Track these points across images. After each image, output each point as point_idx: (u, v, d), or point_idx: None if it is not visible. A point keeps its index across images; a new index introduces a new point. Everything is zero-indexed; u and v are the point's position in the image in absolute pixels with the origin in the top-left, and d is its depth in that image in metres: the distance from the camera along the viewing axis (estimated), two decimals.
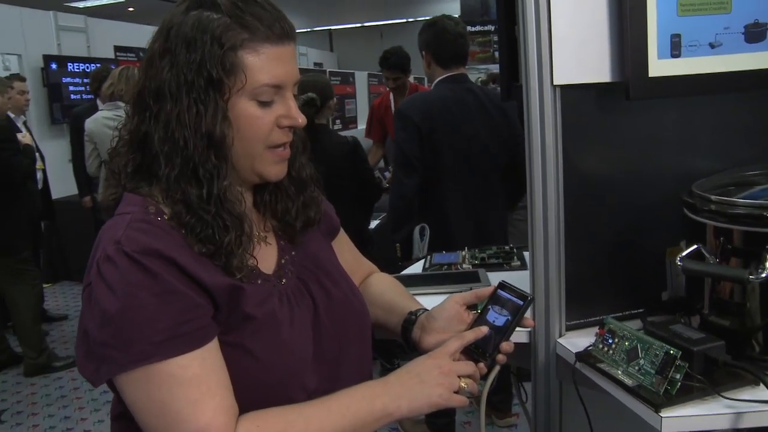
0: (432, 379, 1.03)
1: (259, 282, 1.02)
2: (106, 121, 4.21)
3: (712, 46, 1.24)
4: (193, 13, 0.96)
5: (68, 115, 5.69)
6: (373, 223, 4.07)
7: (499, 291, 1.17)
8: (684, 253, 1.12)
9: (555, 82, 1.21)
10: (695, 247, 1.12)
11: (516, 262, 1.89)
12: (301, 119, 1.02)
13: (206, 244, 0.94)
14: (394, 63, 4.52)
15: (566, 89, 1.22)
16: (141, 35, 7.12)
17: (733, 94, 1.30)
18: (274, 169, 1.03)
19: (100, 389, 3.92)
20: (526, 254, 1.98)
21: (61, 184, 5.27)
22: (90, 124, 4.28)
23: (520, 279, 1.24)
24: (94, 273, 0.90)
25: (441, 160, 2.75)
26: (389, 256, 2.87)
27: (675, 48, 1.21)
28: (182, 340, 0.89)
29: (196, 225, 0.94)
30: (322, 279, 1.11)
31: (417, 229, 2.73)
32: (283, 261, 1.09)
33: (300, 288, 1.08)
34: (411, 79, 4.88)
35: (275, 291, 1.03)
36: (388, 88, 4.90)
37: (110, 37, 7.38)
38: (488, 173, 2.87)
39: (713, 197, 1.14)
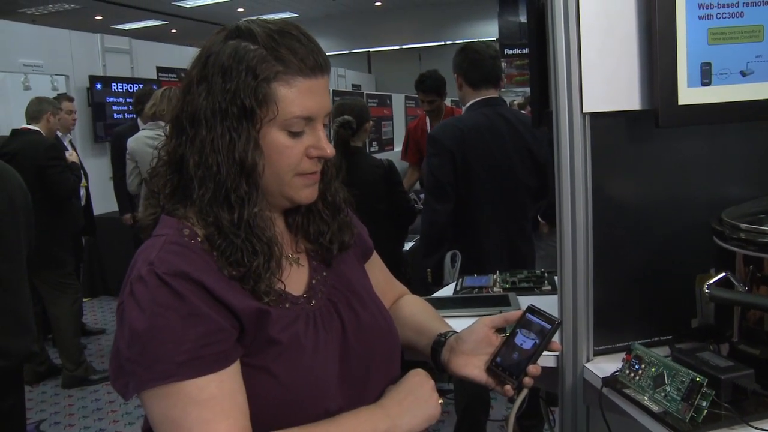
0: (425, 395, 1.08)
1: (287, 306, 1.05)
2: (147, 140, 4.32)
3: (743, 74, 1.24)
4: (231, 42, 1.00)
5: (111, 134, 5.86)
6: (408, 245, 4.09)
7: (527, 315, 1.18)
8: (712, 281, 1.12)
9: (585, 110, 1.23)
10: (723, 275, 1.12)
11: (546, 287, 1.89)
12: (330, 150, 1.05)
13: (236, 267, 0.98)
14: (429, 86, 4.55)
15: (596, 116, 1.24)
16: (182, 56, 7.33)
17: (764, 122, 1.30)
18: (305, 193, 1.07)
19: (134, 403, 4.00)
20: (557, 279, 1.99)
21: (103, 201, 5.41)
22: (132, 142, 4.39)
23: (549, 303, 1.25)
24: (127, 292, 0.95)
25: (473, 186, 2.76)
26: (421, 279, 2.88)
27: (705, 76, 1.22)
28: (203, 362, 0.92)
29: (227, 248, 0.98)
30: (351, 301, 1.13)
31: (449, 255, 2.73)
32: (314, 282, 1.12)
33: (329, 309, 1.10)
34: (448, 102, 4.91)
35: (302, 314, 1.06)
36: (424, 111, 4.93)
37: (153, 58, 7.60)
38: (520, 199, 2.88)
39: (743, 225, 1.14)
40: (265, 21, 1.04)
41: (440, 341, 1.24)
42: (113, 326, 5.02)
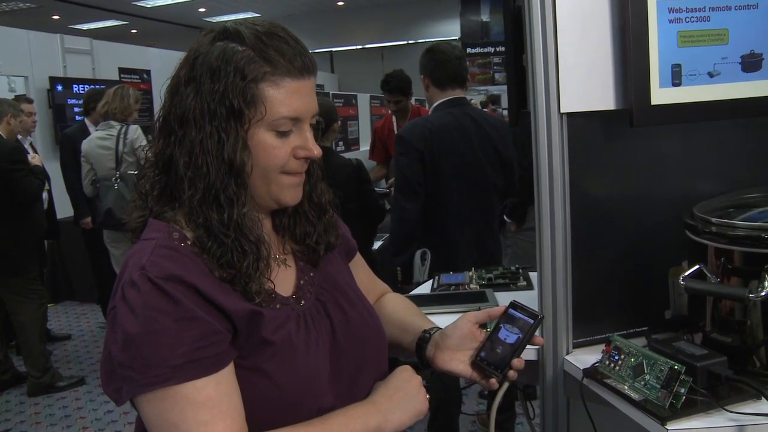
0: (413, 390, 1.10)
1: (278, 306, 1.06)
2: (99, 141, 4.29)
3: (710, 75, 1.30)
4: (219, 44, 1.01)
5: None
6: (376, 244, 4.12)
7: (510, 310, 1.22)
8: (686, 273, 1.17)
9: (562, 110, 1.26)
10: (697, 267, 1.17)
11: (522, 282, 1.94)
12: (317, 151, 1.07)
13: (226, 269, 0.99)
14: (394, 86, 4.57)
15: (572, 116, 1.28)
16: (145, 57, 7.19)
17: (731, 120, 1.35)
18: (290, 194, 1.08)
19: (103, 409, 3.95)
20: (532, 275, 2.03)
21: (66, 204, 5.31)
22: (85, 145, 4.36)
23: (526, 299, 1.29)
24: (119, 297, 0.95)
25: (442, 184, 2.80)
26: (389, 279, 2.91)
27: (676, 77, 1.27)
28: (199, 365, 0.93)
29: (217, 250, 0.99)
30: (339, 300, 1.15)
31: (418, 253, 2.77)
32: (302, 282, 1.13)
33: (318, 309, 1.12)
34: (414, 101, 4.94)
35: (293, 315, 1.07)
36: (390, 111, 4.96)
37: (115, 58, 7.48)
38: (488, 197, 2.93)
39: (714, 219, 1.20)
40: (253, 22, 1.04)
41: (425, 338, 1.27)
42: (79, 331, 4.93)
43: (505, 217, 3.52)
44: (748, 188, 1.35)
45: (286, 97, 1.01)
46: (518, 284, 1.93)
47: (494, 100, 11.02)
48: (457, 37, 12.89)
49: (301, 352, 1.04)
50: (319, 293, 1.14)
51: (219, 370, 0.95)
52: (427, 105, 3.32)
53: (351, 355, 1.11)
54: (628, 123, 1.26)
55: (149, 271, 0.94)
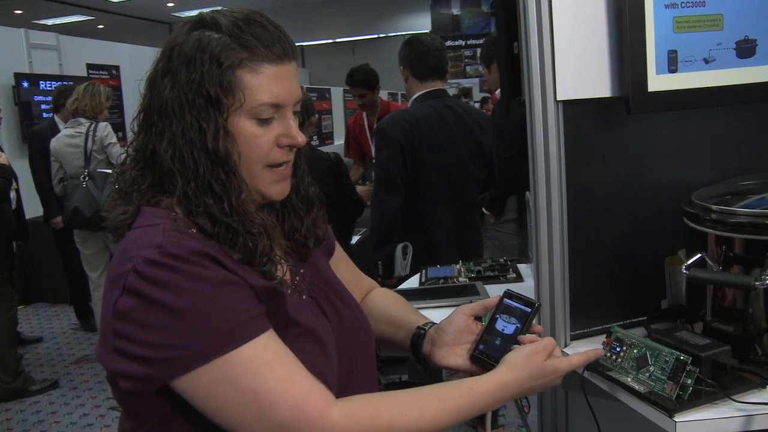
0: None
1: (289, 292, 1.04)
2: (67, 139, 4.21)
3: (706, 61, 1.28)
4: (195, 33, 0.98)
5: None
6: (354, 238, 4.10)
7: (505, 300, 1.19)
8: (689, 262, 1.15)
9: (558, 98, 1.24)
10: (699, 256, 1.16)
11: (511, 275, 1.92)
12: (301, 138, 1.04)
13: (242, 251, 0.96)
14: (358, 80, 4.52)
15: (569, 104, 1.26)
16: (114, 53, 7.05)
17: (725, 107, 1.34)
18: (275, 188, 1.05)
19: (78, 412, 3.86)
20: (521, 266, 2.02)
21: (34, 204, 5.18)
22: (54, 143, 4.29)
23: (518, 290, 1.26)
24: (132, 280, 0.88)
25: (423, 177, 2.77)
26: (370, 274, 2.88)
27: (672, 63, 1.25)
28: (252, 324, 0.90)
29: (227, 234, 0.96)
30: (331, 297, 1.13)
31: (400, 247, 2.75)
32: (296, 279, 1.10)
33: (314, 305, 1.09)
34: (385, 96, 4.89)
35: (304, 303, 1.05)
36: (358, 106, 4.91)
37: (82, 54, 7.32)
38: (469, 189, 2.92)
39: (714, 207, 1.18)
40: (231, 10, 1.01)
41: (420, 334, 1.24)
42: (51, 333, 4.84)
43: (484, 209, 3.51)
44: (743, 175, 1.34)
45: (266, 83, 0.98)
46: (508, 276, 1.91)
47: (466, 92, 11.07)
48: (428, 30, 12.94)
49: (322, 337, 1.02)
50: (311, 290, 1.11)
51: (267, 330, 0.92)
52: (401, 98, 3.30)
53: (345, 353, 1.09)
54: (625, 110, 1.23)
55: (169, 248, 0.89)
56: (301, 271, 1.13)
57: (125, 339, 0.89)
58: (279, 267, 1.02)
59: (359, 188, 3.78)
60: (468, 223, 2.95)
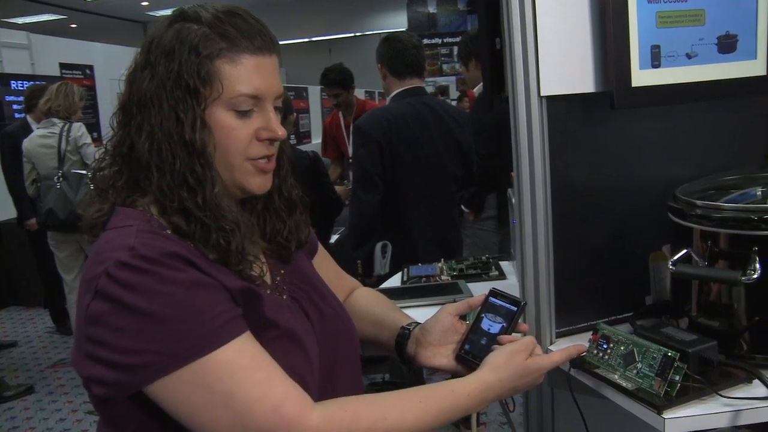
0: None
1: (268, 292, 1.01)
2: (40, 140, 4.15)
3: (688, 56, 1.28)
4: (175, 25, 0.98)
5: None
6: (333, 238, 4.07)
7: (491, 299, 1.18)
8: (675, 258, 1.15)
9: (542, 93, 1.23)
10: (685, 251, 1.15)
11: (494, 272, 1.91)
12: (282, 132, 1.02)
13: (216, 250, 0.94)
14: (331, 80, 4.47)
15: (552, 100, 1.25)
16: (87, 52, 6.94)
17: (707, 102, 1.34)
18: (256, 181, 1.02)
19: (54, 418, 3.79)
20: (503, 264, 2.01)
21: (7, 206, 5.08)
22: (26, 143, 4.23)
23: (502, 288, 1.25)
24: (104, 283, 0.86)
25: (402, 176, 2.76)
26: (349, 273, 2.87)
27: (655, 59, 1.25)
28: (228, 327, 0.88)
29: (202, 233, 0.93)
30: (313, 296, 1.11)
31: (379, 246, 2.73)
32: (277, 279, 1.09)
33: (295, 306, 1.07)
34: (362, 94, 4.86)
35: (284, 303, 1.03)
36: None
37: (55, 53, 7.20)
38: (447, 187, 2.91)
39: (699, 202, 1.18)
40: (213, 4, 1.00)
41: (404, 334, 1.22)
42: (26, 338, 4.76)
43: (462, 207, 3.51)
44: (726, 171, 1.34)
45: (245, 75, 0.96)
46: (490, 274, 1.90)
47: (443, 90, 11.09)
48: (404, 29, 12.96)
49: (303, 338, 1.00)
50: (292, 290, 1.09)
51: (244, 332, 0.90)
52: (377, 96, 3.28)
53: (328, 353, 1.07)
54: (609, 106, 1.23)
55: (141, 250, 0.87)
56: (282, 271, 1.11)
57: (98, 344, 0.87)
58: (257, 266, 1.00)
59: (338, 188, 3.76)
60: (447, 220, 2.95)
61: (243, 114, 0.98)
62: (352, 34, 16.89)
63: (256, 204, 1.10)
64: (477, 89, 3.67)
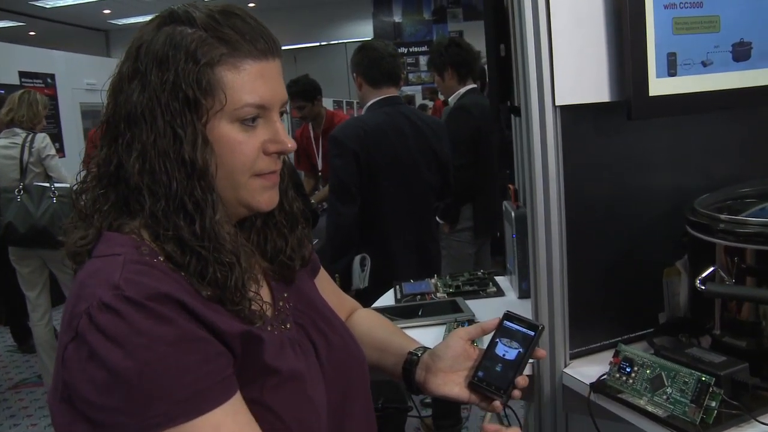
0: None
1: (269, 329, 0.91)
2: (2, 150, 3.96)
3: (704, 64, 1.24)
4: (165, 29, 0.86)
5: None
6: None
7: (505, 322, 1.11)
8: (704, 276, 1.09)
9: (557, 103, 1.17)
10: (712, 269, 1.10)
11: (491, 288, 1.84)
12: (291, 144, 0.92)
13: (213, 287, 0.83)
14: (295, 92, 4.36)
15: (566, 109, 1.19)
16: (48, 60, 6.70)
17: (720, 112, 1.30)
18: (264, 198, 0.92)
19: None
20: (499, 279, 1.95)
21: None
22: None
23: (502, 305, 1.18)
24: (84, 326, 0.76)
25: (379, 186, 2.69)
26: None
27: (671, 66, 1.20)
28: (209, 394, 0.77)
29: (197, 265, 0.83)
30: (318, 323, 1.02)
31: (358, 259, 2.65)
32: (280, 304, 0.99)
33: (301, 333, 0.98)
34: (330, 104, 4.78)
35: (285, 339, 0.93)
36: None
37: (14, 61, 6.94)
38: (425, 198, 2.85)
39: (723, 216, 1.13)
40: (205, 4, 0.89)
41: (412, 360, 1.14)
42: None
43: (438, 219, 3.45)
44: (741, 183, 1.30)
45: (249, 82, 0.86)
46: (488, 290, 1.83)
47: (408, 100, 11.08)
48: (370, 38, 12.96)
49: (308, 382, 0.90)
50: (296, 316, 1.00)
51: (230, 398, 0.79)
52: (345, 106, 3.22)
53: (337, 384, 0.98)
54: (626, 116, 1.17)
55: (126, 290, 0.76)
56: (285, 295, 1.01)
57: (71, 391, 0.77)
58: (257, 302, 0.89)
59: (319, 193, 3.65)
60: (426, 232, 2.89)
61: (248, 126, 0.88)
62: (318, 44, 16.79)
63: (255, 220, 1.01)
64: (453, 99, 3.61)
